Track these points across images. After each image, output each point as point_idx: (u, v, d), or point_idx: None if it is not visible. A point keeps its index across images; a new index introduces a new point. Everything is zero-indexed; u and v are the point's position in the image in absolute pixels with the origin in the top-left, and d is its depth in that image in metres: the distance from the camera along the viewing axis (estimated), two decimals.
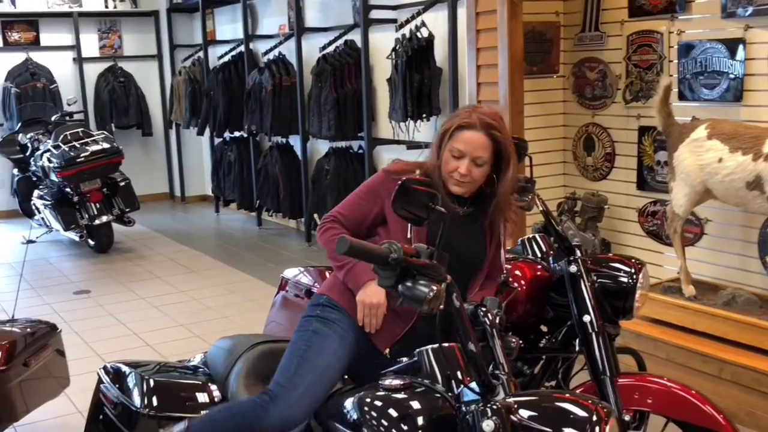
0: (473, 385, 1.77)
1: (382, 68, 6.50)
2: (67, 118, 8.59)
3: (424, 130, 6.12)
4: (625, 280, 2.75)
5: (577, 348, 2.72)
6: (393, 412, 1.80)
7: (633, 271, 2.76)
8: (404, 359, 2.03)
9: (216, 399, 2.41)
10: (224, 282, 6.42)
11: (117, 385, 2.54)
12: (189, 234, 8.49)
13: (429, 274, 1.73)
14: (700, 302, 4.00)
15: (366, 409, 1.84)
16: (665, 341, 3.93)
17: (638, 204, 4.77)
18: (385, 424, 1.78)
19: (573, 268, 2.69)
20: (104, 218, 7.39)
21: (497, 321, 1.99)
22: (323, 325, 2.32)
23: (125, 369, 2.58)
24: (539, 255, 3.01)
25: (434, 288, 1.69)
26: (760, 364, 3.58)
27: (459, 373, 1.87)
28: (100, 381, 2.67)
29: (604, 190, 4.88)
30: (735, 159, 3.72)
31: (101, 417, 2.60)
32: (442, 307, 1.74)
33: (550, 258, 2.88)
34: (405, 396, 1.84)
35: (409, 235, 2.26)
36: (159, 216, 9.44)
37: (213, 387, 2.46)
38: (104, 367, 2.72)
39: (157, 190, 10.36)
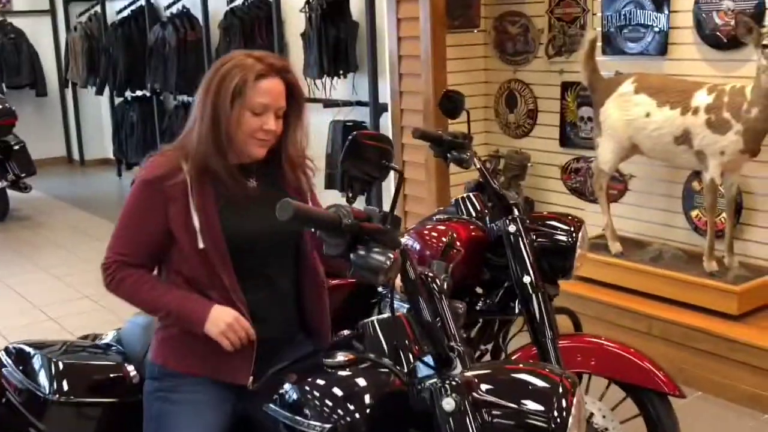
0: (427, 358, 1.64)
1: (295, 22, 6.23)
2: None
3: (341, 88, 5.93)
4: (564, 238, 2.67)
5: (516, 310, 2.63)
6: (337, 391, 1.65)
7: (572, 229, 2.68)
8: (344, 332, 1.88)
9: (134, 380, 2.20)
10: None
11: (21, 369, 2.30)
12: (90, 199, 8.06)
13: (383, 240, 1.57)
14: (627, 258, 3.99)
15: (307, 389, 1.68)
16: (594, 299, 3.92)
17: (561, 161, 4.72)
18: (330, 404, 1.62)
19: (512, 228, 2.58)
20: None
21: (445, 287, 1.86)
22: (165, 402, 1.96)
23: (30, 350, 2.32)
24: (474, 215, 2.89)
25: (390, 256, 1.52)
26: (689, 319, 3.60)
27: (408, 345, 1.73)
28: (0, 364, 2.41)
29: (527, 148, 4.81)
30: (663, 113, 3.69)
31: (3, 403, 2.35)
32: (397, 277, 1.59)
33: (486, 218, 2.77)
34: (350, 373, 1.69)
35: (201, 244, 1.91)
36: (57, 181, 8.94)
37: (130, 368, 2.24)
38: (5, 349, 2.45)
39: (54, 153, 9.80)
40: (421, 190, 4.76)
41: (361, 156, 1.66)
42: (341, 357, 1.71)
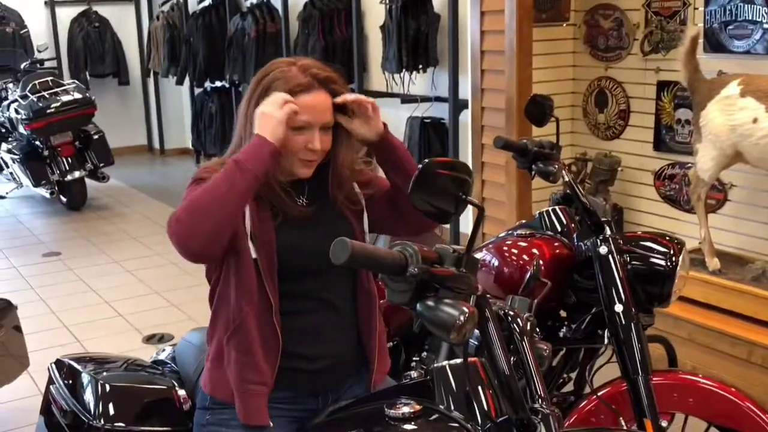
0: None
1: (374, 14, 6.04)
2: (38, 65, 8.08)
3: (420, 83, 5.72)
4: (662, 262, 2.39)
5: (605, 340, 2.37)
6: None
7: (671, 252, 2.39)
8: (412, 373, 1.66)
9: (185, 407, 2.04)
10: None
11: (69, 386, 2.16)
12: (168, 190, 8.06)
13: (456, 288, 1.34)
14: (726, 276, 3.66)
15: None
16: (688, 320, 3.61)
17: (654, 166, 4.39)
18: None
19: (603, 249, 2.33)
20: (76, 174, 7.01)
21: (528, 327, 1.62)
22: None
23: (79, 367, 2.19)
24: (559, 230, 2.64)
25: (465, 310, 1.30)
26: None
27: (483, 399, 1.50)
28: (50, 379, 2.28)
29: (618, 151, 4.50)
30: None
31: (52, 422, 2.23)
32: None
33: (574, 235, 2.51)
34: (415, 427, 1.47)
35: (253, 254, 1.74)
36: (136, 170, 9.00)
37: (181, 392, 2.07)
38: (57, 362, 2.32)
39: (135, 142, 9.90)
40: (501, 194, 4.50)
41: (434, 188, 1.43)
42: (406, 408, 1.49)
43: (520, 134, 4.26)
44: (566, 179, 2.40)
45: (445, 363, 1.55)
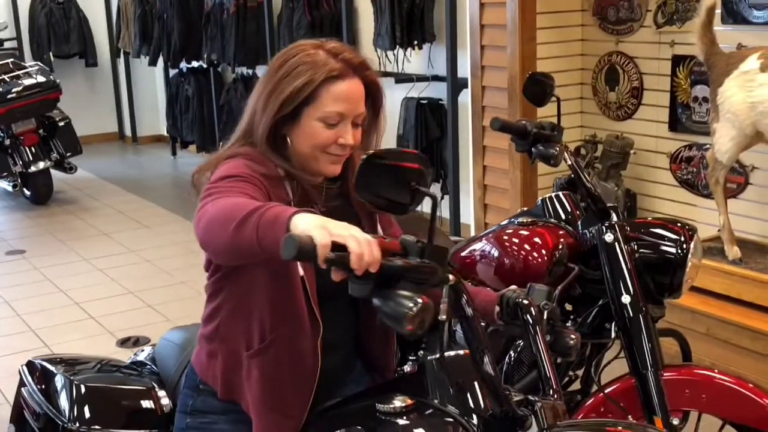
0: None
1: None
2: None
3: (415, 61, 5.80)
4: (672, 250, 2.47)
5: (612, 334, 2.46)
6: None
7: (682, 238, 2.48)
8: (406, 368, 1.75)
9: (165, 409, 2.12)
10: (182, 240, 6.08)
11: (42, 389, 2.25)
12: (141, 181, 8.14)
13: (418, 279, 1.43)
14: (747, 266, 3.76)
15: None
16: (705, 313, 3.71)
17: (670, 148, 4.48)
18: None
19: (609, 237, 2.42)
20: (41, 164, 7.07)
21: (544, 317, 1.71)
22: None
23: (52, 369, 2.27)
24: (563, 217, 2.72)
25: (419, 301, 1.36)
26: None
27: (475, 392, 1.59)
28: (21, 382, 2.37)
29: (630, 132, 4.59)
30: None
31: (23, 426, 2.31)
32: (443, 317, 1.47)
33: (579, 222, 2.60)
34: (407, 422, 1.56)
35: (301, 272, 1.73)
36: (107, 160, 9.06)
37: (161, 393, 2.16)
38: (29, 364, 2.41)
39: (105, 129, 9.95)
40: (504, 182, 4.60)
41: (385, 181, 1.50)
42: (398, 402, 1.58)
43: (524, 115, 4.34)
44: (569, 162, 2.48)
45: (437, 355, 1.64)
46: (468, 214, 5.26)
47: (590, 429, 1.65)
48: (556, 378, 1.69)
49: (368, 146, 1.87)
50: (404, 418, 1.57)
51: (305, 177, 1.81)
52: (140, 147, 9.85)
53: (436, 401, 1.61)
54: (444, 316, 1.50)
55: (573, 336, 1.76)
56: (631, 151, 4.53)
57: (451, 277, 1.52)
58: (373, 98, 1.85)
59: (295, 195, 1.80)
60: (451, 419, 1.58)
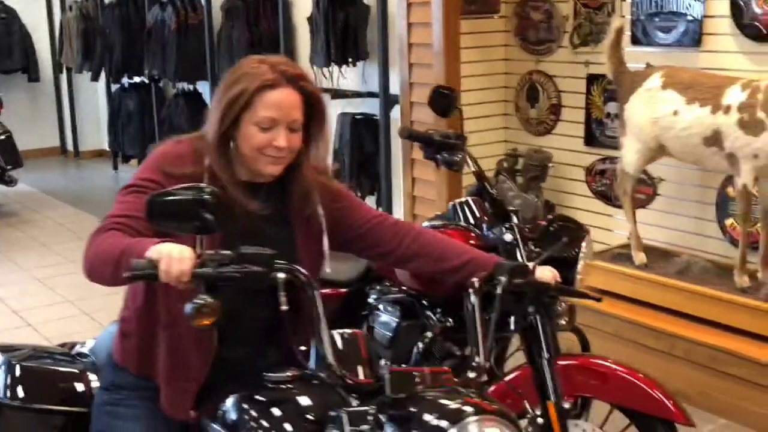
0: None
1: (302, 5, 6.30)
2: None
3: (350, 77, 5.98)
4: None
5: (512, 327, 2.66)
6: (275, 410, 1.71)
7: (576, 238, 2.70)
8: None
9: (95, 390, 2.28)
10: None
11: None
12: (82, 195, 8.19)
13: (238, 282, 1.68)
14: (652, 271, 4.00)
15: (245, 406, 1.75)
16: (613, 315, 3.93)
17: (586, 162, 4.73)
18: (266, 425, 1.69)
19: (508, 237, 2.62)
20: None
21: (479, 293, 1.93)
22: (111, 417, 2.03)
23: None
24: (472, 221, 2.93)
25: (198, 301, 1.62)
26: (715, 339, 3.60)
27: (357, 368, 1.79)
28: None
29: (549, 147, 4.83)
30: (692, 111, 3.69)
31: None
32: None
33: (484, 225, 2.81)
34: (291, 387, 1.77)
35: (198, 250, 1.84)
36: (48, 174, 9.09)
37: (92, 377, 2.31)
38: None
39: (47, 144, 9.96)
40: (431, 192, 4.80)
41: (170, 213, 1.72)
42: (285, 372, 1.78)
43: (451, 129, 4.56)
44: (472, 169, 2.69)
45: (330, 333, 1.82)
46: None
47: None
48: (481, 347, 1.89)
49: (315, 152, 2.04)
50: (288, 385, 1.77)
51: (226, 177, 1.96)
52: (82, 161, 9.88)
53: (323, 374, 1.78)
54: (285, 307, 1.70)
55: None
56: (550, 165, 4.76)
57: (280, 275, 1.72)
58: (313, 107, 2.01)
59: None
60: (328, 389, 1.75)
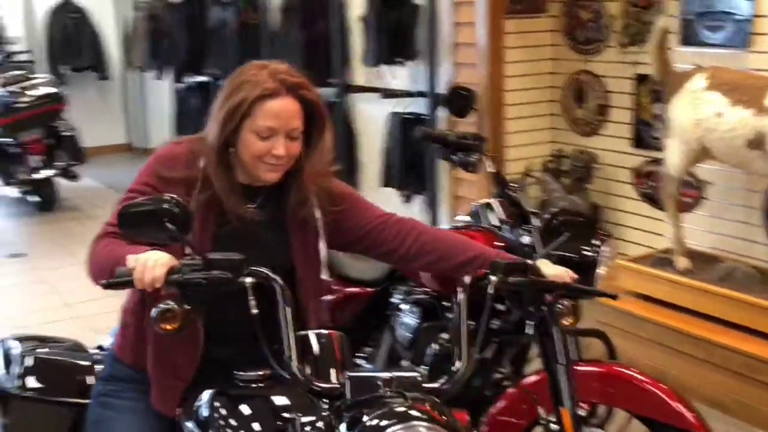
0: None
1: (358, 5, 6.30)
2: (10, 58, 8.44)
3: (403, 77, 5.97)
4: (587, 252, 2.65)
5: (529, 330, 2.62)
6: (245, 409, 1.73)
7: (597, 242, 2.66)
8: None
9: None
10: None
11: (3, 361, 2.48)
12: None
13: (210, 287, 1.73)
14: (694, 276, 3.90)
15: (216, 405, 1.77)
16: (651, 320, 3.85)
17: (633, 163, 4.65)
18: (234, 424, 1.71)
19: (526, 239, 2.60)
20: (46, 172, 7.30)
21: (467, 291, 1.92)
22: (104, 408, 2.07)
23: (11, 345, 2.50)
24: (497, 223, 2.91)
25: (162, 306, 1.68)
26: (754, 347, 3.50)
27: (330, 366, 1.80)
28: None
29: (596, 147, 4.76)
30: (736, 113, 3.59)
31: None
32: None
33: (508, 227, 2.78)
34: (261, 386, 1.79)
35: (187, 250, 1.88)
36: (114, 170, 9.29)
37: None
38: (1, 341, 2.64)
39: (115, 140, 10.21)
40: (474, 192, 4.76)
41: (142, 225, 1.78)
42: (255, 372, 1.81)
43: (494, 130, 4.54)
44: (490, 170, 2.67)
45: (309, 331, 1.83)
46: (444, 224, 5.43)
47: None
48: (463, 346, 1.84)
49: (315, 159, 2.04)
50: (258, 384, 1.81)
51: (221, 182, 1.99)
52: (149, 158, 10.05)
53: (298, 374, 1.78)
54: (254, 311, 1.74)
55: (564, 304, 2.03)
56: (596, 166, 4.69)
57: (248, 280, 1.75)
58: (312, 116, 2.02)
59: (202, 194, 1.99)
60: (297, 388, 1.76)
